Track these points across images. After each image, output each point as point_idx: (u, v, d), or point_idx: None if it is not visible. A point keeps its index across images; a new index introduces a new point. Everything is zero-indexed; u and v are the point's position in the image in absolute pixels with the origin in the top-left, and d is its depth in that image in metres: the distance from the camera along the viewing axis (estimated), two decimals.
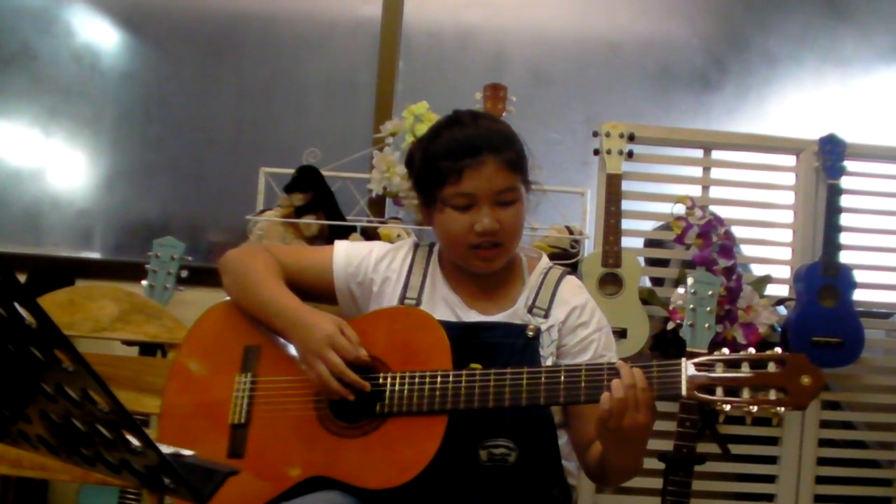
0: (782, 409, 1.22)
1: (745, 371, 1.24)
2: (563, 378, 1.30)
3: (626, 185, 2.40)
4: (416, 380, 1.33)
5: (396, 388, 1.34)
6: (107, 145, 2.86)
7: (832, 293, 2.35)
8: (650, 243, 2.58)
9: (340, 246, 1.56)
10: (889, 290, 2.58)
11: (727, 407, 1.23)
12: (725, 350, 1.28)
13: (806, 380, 1.22)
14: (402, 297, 1.49)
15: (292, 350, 1.43)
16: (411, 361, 1.35)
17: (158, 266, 2.23)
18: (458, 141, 1.41)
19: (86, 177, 2.86)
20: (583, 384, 1.29)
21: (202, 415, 1.45)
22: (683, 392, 1.25)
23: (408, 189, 2.25)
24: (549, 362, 1.42)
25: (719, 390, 1.24)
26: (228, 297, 1.54)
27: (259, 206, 2.41)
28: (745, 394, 1.23)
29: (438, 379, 1.32)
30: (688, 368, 1.25)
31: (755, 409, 1.22)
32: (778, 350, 1.25)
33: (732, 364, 1.25)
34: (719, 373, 1.24)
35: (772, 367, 1.23)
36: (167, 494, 1.03)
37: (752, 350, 1.27)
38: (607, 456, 1.35)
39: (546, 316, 1.45)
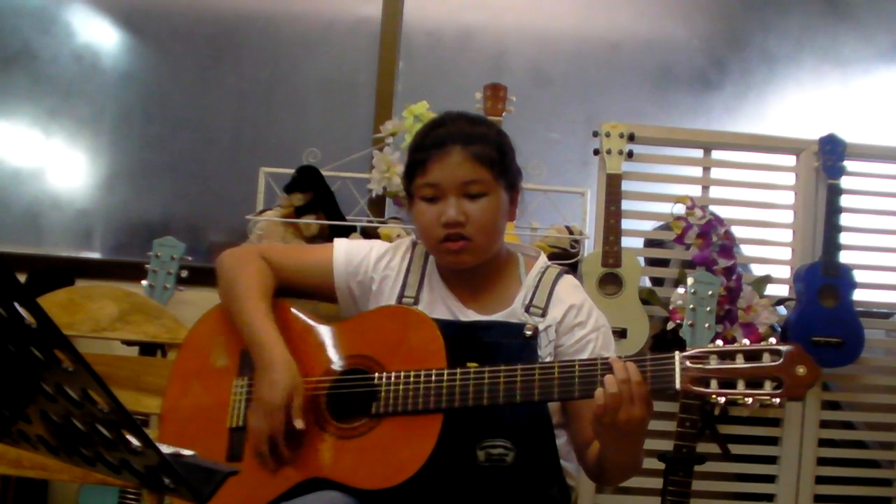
0: (778, 400, 1.21)
1: (739, 363, 1.23)
2: (557, 374, 1.30)
3: (626, 185, 2.40)
4: (411, 379, 1.33)
5: (391, 387, 1.34)
6: (107, 145, 2.86)
7: (832, 293, 2.35)
8: (650, 243, 2.58)
9: (340, 244, 1.56)
10: (889, 290, 2.58)
11: (722, 399, 1.22)
12: (719, 342, 1.26)
13: (801, 370, 1.21)
14: (401, 296, 1.49)
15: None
16: (406, 361, 1.35)
17: (158, 266, 2.22)
18: (429, 135, 1.44)
19: (86, 177, 2.86)
20: (577, 380, 1.28)
21: (201, 418, 1.45)
22: (677, 385, 1.23)
23: None
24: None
25: (714, 382, 1.23)
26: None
27: (259, 206, 2.40)
28: (741, 385, 1.22)
29: (433, 378, 1.32)
30: (682, 361, 1.24)
31: (750, 400, 1.21)
32: (772, 341, 1.24)
33: (727, 356, 1.23)
34: (713, 365, 1.23)
35: (766, 359, 1.22)
36: (167, 494, 1.03)
37: (746, 341, 1.26)
38: (605, 453, 1.34)
39: (543, 315, 1.45)
